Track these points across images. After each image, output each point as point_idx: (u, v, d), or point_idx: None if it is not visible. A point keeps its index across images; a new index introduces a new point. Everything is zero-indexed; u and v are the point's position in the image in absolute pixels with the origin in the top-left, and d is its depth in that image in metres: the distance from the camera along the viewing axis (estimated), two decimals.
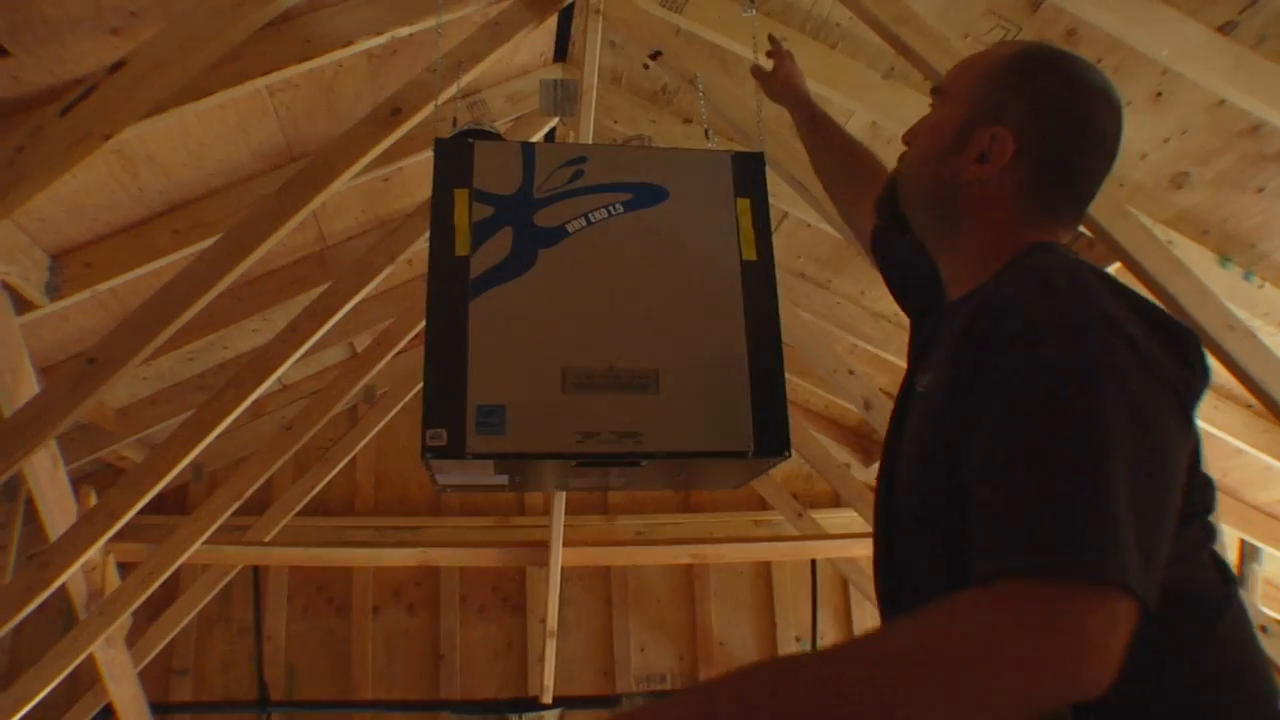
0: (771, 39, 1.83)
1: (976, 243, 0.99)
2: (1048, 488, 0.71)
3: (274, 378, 3.08)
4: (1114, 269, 2.79)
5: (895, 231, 1.17)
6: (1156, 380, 0.76)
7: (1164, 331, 0.81)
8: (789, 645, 4.99)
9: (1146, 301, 0.84)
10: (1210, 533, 0.87)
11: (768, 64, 1.81)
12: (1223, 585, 0.85)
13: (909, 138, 1.12)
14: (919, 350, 1.13)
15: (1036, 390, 0.75)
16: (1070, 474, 0.71)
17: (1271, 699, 0.83)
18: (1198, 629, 0.81)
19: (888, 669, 0.68)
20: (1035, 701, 0.66)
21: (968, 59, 1.09)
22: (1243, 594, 0.89)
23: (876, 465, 1.44)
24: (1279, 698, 0.83)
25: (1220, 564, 0.87)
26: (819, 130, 1.61)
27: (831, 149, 1.58)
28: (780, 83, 1.73)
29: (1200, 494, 0.86)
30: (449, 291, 1.37)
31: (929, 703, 0.66)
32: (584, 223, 1.46)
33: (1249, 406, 3.22)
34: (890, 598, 0.99)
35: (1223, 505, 3.46)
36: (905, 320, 1.30)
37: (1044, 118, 0.97)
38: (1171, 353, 0.79)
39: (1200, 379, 0.82)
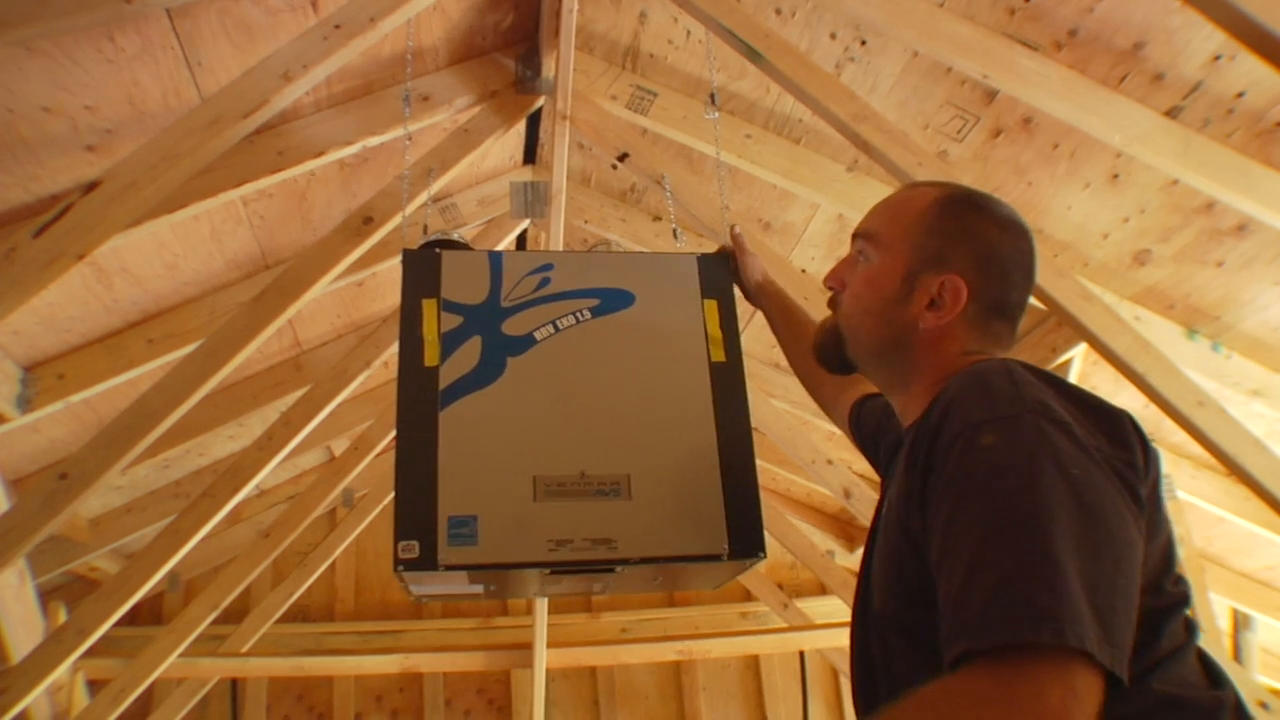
0: (732, 230, 1.73)
1: (930, 376, 1.03)
2: (995, 568, 0.72)
3: (251, 485, 3.04)
4: (1080, 350, 2.84)
5: (840, 372, 1.17)
6: (1093, 460, 0.79)
7: (1096, 414, 0.84)
8: None
9: (1079, 390, 0.88)
10: (1193, 630, 0.87)
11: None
12: (1213, 689, 0.84)
13: (834, 283, 1.13)
14: (885, 480, 1.15)
15: (978, 479, 0.78)
16: (1015, 552, 0.72)
17: None
18: None
19: None
20: None
21: (889, 204, 1.12)
22: (1237, 693, 0.86)
23: (860, 552, 1.41)
24: None
25: (1210, 665, 0.87)
26: (794, 323, 1.60)
27: (806, 340, 1.54)
28: (750, 283, 1.67)
29: (1176, 584, 0.86)
30: (418, 403, 1.37)
31: None
32: (552, 330, 1.46)
33: (1228, 474, 3.23)
34: (869, 707, 0.98)
35: (1210, 573, 3.44)
36: None
37: (988, 261, 1.03)
38: (1105, 434, 0.82)
39: (1140, 455, 0.84)
